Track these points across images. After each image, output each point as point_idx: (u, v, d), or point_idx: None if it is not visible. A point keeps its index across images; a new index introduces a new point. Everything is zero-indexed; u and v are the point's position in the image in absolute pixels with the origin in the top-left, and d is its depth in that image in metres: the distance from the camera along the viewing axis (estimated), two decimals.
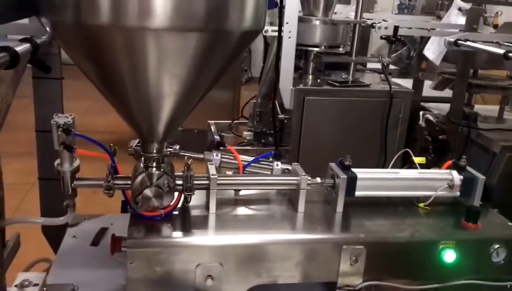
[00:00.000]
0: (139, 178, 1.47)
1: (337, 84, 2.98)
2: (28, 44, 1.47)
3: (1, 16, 1.10)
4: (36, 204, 2.08)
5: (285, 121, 3.01)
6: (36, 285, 1.31)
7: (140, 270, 1.40)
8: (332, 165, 1.68)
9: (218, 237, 1.48)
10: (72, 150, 1.43)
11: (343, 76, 3.14)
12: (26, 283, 1.31)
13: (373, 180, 1.67)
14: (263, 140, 3.21)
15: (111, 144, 1.56)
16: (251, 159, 1.80)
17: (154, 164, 1.51)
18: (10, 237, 1.63)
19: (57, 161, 1.48)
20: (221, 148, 1.83)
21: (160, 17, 1.20)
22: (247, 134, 3.34)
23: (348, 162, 1.65)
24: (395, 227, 1.61)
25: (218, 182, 1.56)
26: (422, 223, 1.64)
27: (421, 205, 1.70)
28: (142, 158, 1.53)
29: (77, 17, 1.21)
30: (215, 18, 1.27)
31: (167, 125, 1.47)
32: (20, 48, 1.39)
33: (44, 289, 1.32)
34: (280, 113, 2.96)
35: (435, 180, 1.70)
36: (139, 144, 1.56)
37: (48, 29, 1.33)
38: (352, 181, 1.62)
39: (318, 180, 1.65)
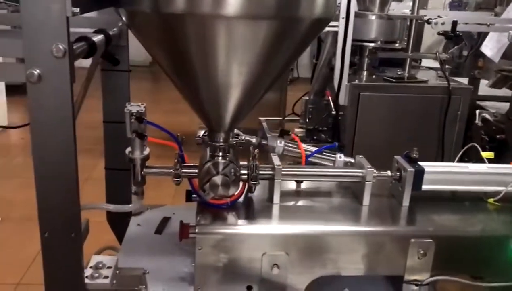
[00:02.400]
0: (207, 167, 1.49)
1: (394, 80, 2.93)
2: (102, 35, 1.52)
3: (85, 7, 1.14)
4: (89, 198, 2.13)
5: (339, 117, 2.98)
6: (109, 267, 1.35)
7: (208, 257, 1.42)
8: (398, 157, 1.65)
9: (284, 226, 1.48)
10: (144, 137, 1.47)
11: (399, 73, 3.08)
12: (100, 265, 1.35)
13: (440, 174, 1.63)
14: (315, 137, 3.19)
15: (178, 134, 1.59)
16: (314, 149, 1.80)
17: (221, 153, 1.53)
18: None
19: (128, 149, 1.52)
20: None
21: (233, 4, 1.22)
22: (298, 131, 3.33)
23: (415, 155, 1.62)
24: (464, 221, 1.56)
25: (283, 172, 1.56)
26: (492, 218, 1.58)
27: (491, 200, 1.65)
28: (209, 148, 1.56)
29: (154, 6, 1.24)
30: (287, 5, 1.27)
31: (234, 114, 1.48)
32: (96, 38, 1.43)
33: (117, 271, 1.36)
34: (333, 109, 2.94)
35: (506, 175, 1.64)
36: (206, 134, 1.58)
37: (124, 18, 1.37)
38: (419, 174, 1.58)
39: (384, 173, 1.62)
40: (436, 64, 3.48)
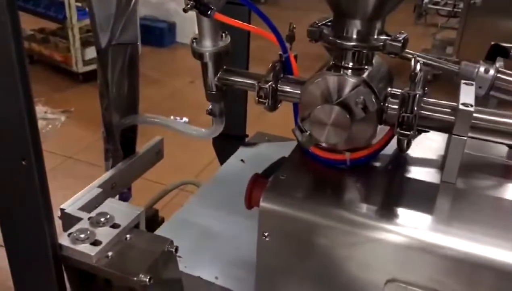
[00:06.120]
0: (315, 83, 0.76)
1: None
2: None
3: None
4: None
5: None
6: (116, 226, 0.79)
7: (281, 255, 0.74)
8: None
9: (451, 239, 0.67)
10: (208, 12, 0.80)
11: None
12: (103, 219, 0.80)
13: None
14: None
15: (291, 22, 0.88)
16: None
17: (351, 64, 0.78)
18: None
19: (193, 35, 0.88)
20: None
21: None
22: None
23: None
24: None
25: (476, 120, 0.73)
26: None
27: None
28: (331, 51, 0.81)
29: None
30: None
31: None
32: None
33: (127, 236, 0.80)
34: None
35: None
36: (329, 23, 0.82)
37: None
38: None
39: None
40: None
